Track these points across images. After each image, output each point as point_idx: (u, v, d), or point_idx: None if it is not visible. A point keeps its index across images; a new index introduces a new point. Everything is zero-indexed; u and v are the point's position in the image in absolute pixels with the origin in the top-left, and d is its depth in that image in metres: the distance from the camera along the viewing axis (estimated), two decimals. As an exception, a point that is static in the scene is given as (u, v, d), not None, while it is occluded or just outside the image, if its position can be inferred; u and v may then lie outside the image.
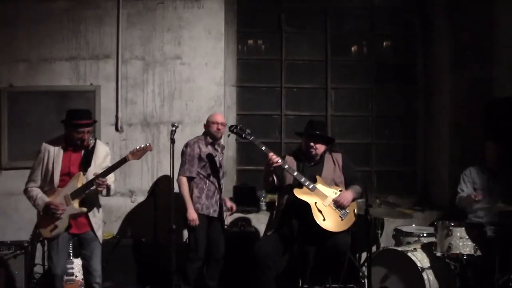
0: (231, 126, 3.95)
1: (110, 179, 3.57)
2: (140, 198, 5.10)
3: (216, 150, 4.38)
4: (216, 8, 5.18)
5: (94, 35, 5.14)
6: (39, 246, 3.93)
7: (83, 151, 3.58)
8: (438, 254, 3.88)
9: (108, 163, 3.66)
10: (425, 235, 4.28)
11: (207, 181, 4.27)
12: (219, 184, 4.37)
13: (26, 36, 5.11)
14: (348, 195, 3.76)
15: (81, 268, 4.23)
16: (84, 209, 3.50)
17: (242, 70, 5.58)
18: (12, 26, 5.10)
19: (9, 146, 4.96)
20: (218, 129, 4.30)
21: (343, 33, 5.68)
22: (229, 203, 4.49)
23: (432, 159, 5.50)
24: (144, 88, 5.16)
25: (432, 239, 4.05)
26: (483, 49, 5.12)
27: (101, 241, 3.70)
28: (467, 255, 3.78)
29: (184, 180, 4.21)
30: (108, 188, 3.53)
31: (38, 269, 4.38)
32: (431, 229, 4.28)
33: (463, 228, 3.84)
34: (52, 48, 5.13)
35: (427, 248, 4.01)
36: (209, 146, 4.33)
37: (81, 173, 3.49)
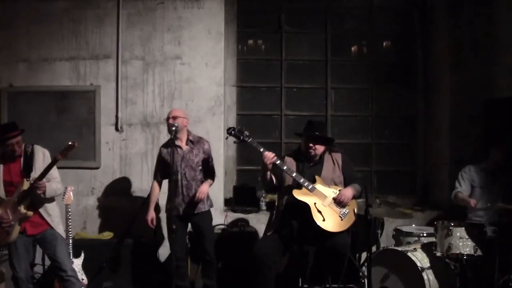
0: (229, 128, 3.89)
1: (55, 179, 3.74)
2: (140, 198, 5.10)
3: (180, 147, 4.24)
4: (216, 8, 5.18)
5: (94, 35, 5.15)
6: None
7: (22, 160, 3.72)
8: (438, 254, 3.87)
9: (49, 162, 3.73)
10: (425, 235, 4.28)
11: (171, 182, 4.22)
12: (189, 181, 4.22)
13: (26, 36, 5.11)
14: (348, 192, 3.74)
15: (81, 268, 4.26)
16: (30, 213, 3.61)
17: (242, 70, 5.58)
18: (12, 26, 5.11)
19: (9, 146, 4.95)
20: (169, 124, 4.18)
21: (343, 33, 5.68)
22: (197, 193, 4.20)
23: (432, 159, 5.50)
24: (144, 88, 5.16)
25: (432, 239, 4.03)
26: (483, 49, 5.12)
27: (64, 235, 3.84)
28: (467, 255, 3.77)
29: (154, 183, 4.36)
30: (44, 191, 3.62)
31: (38, 269, 4.37)
32: (431, 229, 4.27)
33: (463, 228, 3.83)
34: (52, 48, 5.13)
35: (427, 248, 4.00)
36: (168, 148, 4.25)
37: (25, 179, 3.62)
